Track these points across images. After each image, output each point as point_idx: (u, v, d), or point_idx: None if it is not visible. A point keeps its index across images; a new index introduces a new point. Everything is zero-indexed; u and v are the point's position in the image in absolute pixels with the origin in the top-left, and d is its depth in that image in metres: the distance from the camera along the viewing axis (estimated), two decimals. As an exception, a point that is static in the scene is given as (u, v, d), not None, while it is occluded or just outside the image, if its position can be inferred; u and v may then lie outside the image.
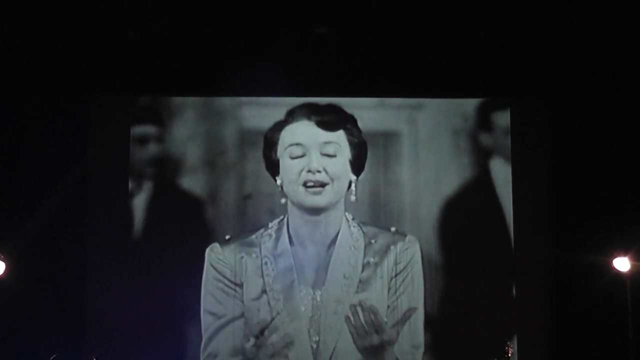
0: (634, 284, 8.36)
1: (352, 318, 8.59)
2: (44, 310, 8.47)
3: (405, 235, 8.85)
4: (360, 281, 8.67)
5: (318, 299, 8.63)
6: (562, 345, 8.77)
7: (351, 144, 8.83)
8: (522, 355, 8.68)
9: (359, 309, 8.61)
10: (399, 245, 8.80)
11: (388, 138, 9.06)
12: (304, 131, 8.81)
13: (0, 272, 8.14)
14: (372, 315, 8.61)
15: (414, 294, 8.77)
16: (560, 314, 8.82)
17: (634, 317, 8.36)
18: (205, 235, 8.85)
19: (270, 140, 8.85)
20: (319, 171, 8.65)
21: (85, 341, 8.61)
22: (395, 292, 8.72)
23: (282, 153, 8.77)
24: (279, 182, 8.78)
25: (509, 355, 8.00)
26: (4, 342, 8.34)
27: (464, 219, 8.96)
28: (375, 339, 8.60)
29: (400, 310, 8.70)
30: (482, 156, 9.06)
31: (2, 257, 8.16)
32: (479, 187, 9.02)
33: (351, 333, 8.60)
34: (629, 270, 8.32)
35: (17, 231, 8.46)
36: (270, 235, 8.78)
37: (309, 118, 8.85)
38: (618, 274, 8.36)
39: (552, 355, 8.80)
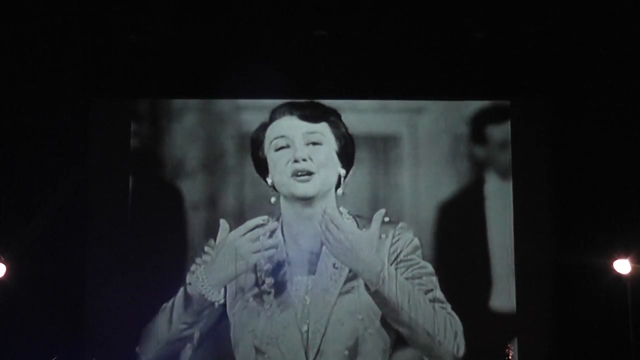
0: (634, 286, 8.37)
1: (321, 226, 8.52)
2: (45, 312, 8.44)
3: (397, 223, 8.82)
4: (350, 271, 8.63)
5: (310, 288, 8.61)
6: (563, 348, 8.76)
7: (336, 135, 8.79)
8: (523, 358, 8.68)
9: (325, 216, 8.53)
10: (391, 233, 8.77)
11: (388, 141, 9.07)
12: (287, 124, 8.79)
13: (0, 275, 8.16)
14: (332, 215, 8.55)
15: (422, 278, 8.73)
16: (561, 317, 8.81)
17: (634, 319, 8.36)
18: (206, 236, 8.82)
19: (256, 140, 8.86)
20: (304, 159, 8.62)
21: (85, 343, 8.61)
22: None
23: (268, 149, 8.78)
24: (269, 181, 8.77)
25: (510, 358, 7.99)
26: (5, 344, 8.32)
27: (465, 221, 8.96)
28: (338, 234, 8.48)
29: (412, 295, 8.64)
30: (482, 158, 9.05)
31: (2, 259, 8.18)
32: (479, 188, 9.02)
33: (324, 244, 8.52)
34: (630, 273, 8.33)
35: (17, 233, 8.47)
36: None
37: (291, 113, 8.85)
38: (619, 276, 8.38)
39: (552, 357, 8.78)
